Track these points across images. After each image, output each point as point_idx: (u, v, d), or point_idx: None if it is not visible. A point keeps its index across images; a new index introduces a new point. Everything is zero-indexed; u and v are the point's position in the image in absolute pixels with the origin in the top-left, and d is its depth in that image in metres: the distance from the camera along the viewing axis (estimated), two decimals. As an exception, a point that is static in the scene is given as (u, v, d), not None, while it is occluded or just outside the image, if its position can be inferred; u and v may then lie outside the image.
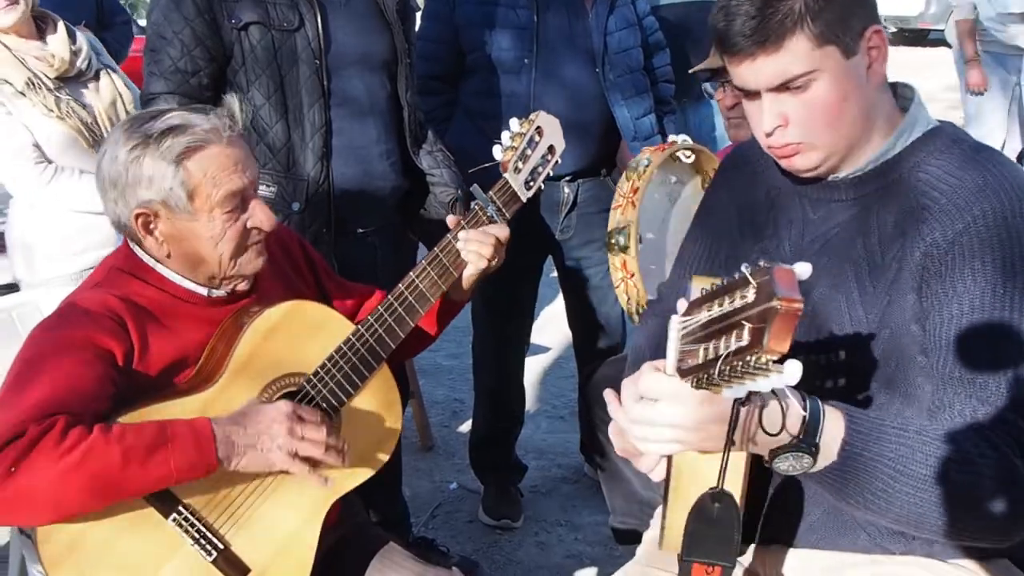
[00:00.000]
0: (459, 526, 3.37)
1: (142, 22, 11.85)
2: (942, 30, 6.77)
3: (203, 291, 1.80)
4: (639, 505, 2.45)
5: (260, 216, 1.77)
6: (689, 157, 2.61)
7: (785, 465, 1.30)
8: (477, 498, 3.45)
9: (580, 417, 3.55)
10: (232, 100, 1.78)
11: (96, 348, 1.65)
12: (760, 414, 1.28)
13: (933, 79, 7.32)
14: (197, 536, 1.67)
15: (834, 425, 1.31)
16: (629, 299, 2.50)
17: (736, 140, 2.69)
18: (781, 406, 1.27)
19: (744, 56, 1.45)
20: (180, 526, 1.66)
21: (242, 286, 1.83)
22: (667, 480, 1.44)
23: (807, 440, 1.28)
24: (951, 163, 1.48)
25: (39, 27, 2.86)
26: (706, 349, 1.12)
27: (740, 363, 1.07)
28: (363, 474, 1.87)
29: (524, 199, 2.03)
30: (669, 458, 1.42)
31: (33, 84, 2.76)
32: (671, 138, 2.68)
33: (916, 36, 15.65)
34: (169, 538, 1.66)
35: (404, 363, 2.75)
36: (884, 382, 1.48)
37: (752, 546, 1.65)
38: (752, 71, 1.46)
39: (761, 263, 1.08)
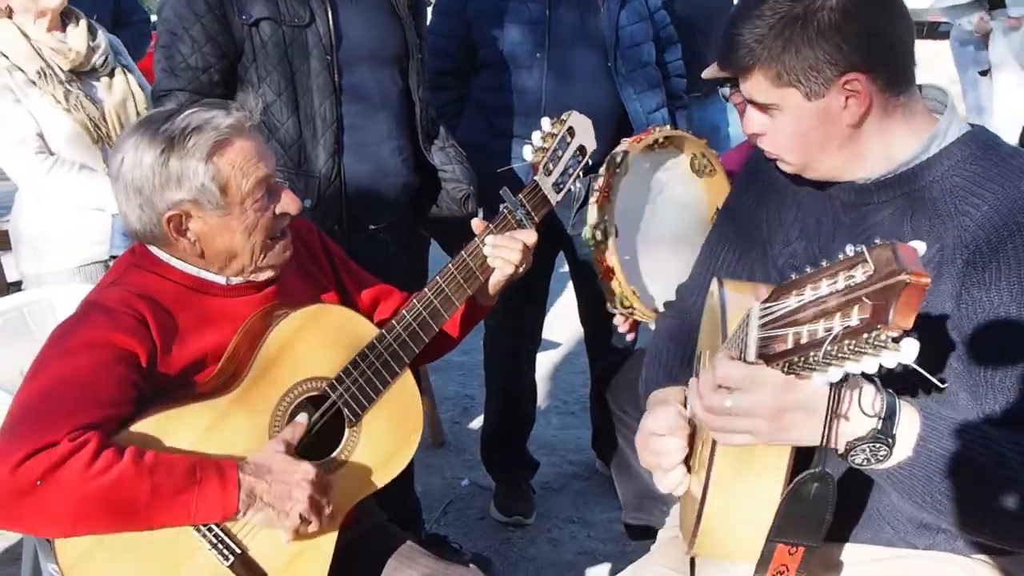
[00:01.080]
0: (471, 523, 3.37)
1: (155, 18, 11.89)
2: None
3: (221, 280, 1.80)
4: (652, 501, 2.44)
5: (287, 200, 1.80)
6: (665, 145, 2.58)
7: (861, 458, 1.30)
8: (489, 495, 3.45)
9: (591, 413, 3.54)
10: (247, 96, 1.78)
11: (119, 350, 1.65)
12: (859, 396, 1.27)
13: (944, 72, 7.26)
14: (215, 541, 1.67)
15: (910, 419, 1.31)
16: (614, 294, 2.48)
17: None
18: (876, 385, 1.27)
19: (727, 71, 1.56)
20: (198, 531, 1.66)
21: (268, 276, 1.83)
22: (704, 489, 1.42)
23: (884, 431, 1.28)
24: (989, 170, 1.47)
25: (63, 21, 2.88)
26: (797, 334, 1.11)
27: (853, 342, 1.06)
28: (383, 478, 1.87)
29: (554, 202, 2.01)
30: (709, 465, 1.41)
31: (44, 74, 2.78)
32: (655, 127, 2.66)
33: (926, 29, 15.58)
34: (186, 543, 1.65)
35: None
36: (921, 386, 1.46)
37: None
38: (741, 83, 1.56)
39: (877, 241, 1.09)
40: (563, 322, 4.67)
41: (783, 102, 1.50)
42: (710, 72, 2.47)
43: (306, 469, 1.69)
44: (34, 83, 2.77)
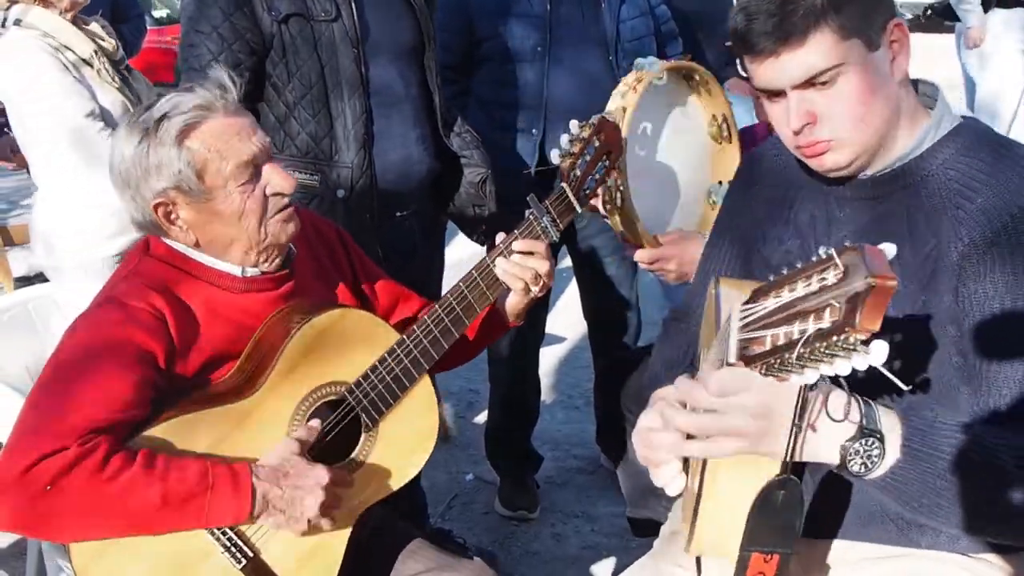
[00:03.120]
0: (475, 517, 3.38)
1: (157, 14, 11.89)
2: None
3: (237, 271, 1.77)
4: (656, 496, 2.43)
5: (276, 179, 1.73)
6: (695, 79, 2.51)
7: (858, 463, 1.27)
8: (493, 489, 3.45)
9: (596, 407, 3.54)
10: (219, 71, 1.74)
11: (138, 350, 1.62)
12: (826, 401, 1.26)
13: (952, 66, 7.24)
14: (228, 543, 1.66)
15: (890, 418, 1.29)
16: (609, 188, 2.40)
17: (765, 120, 2.63)
18: (846, 391, 1.25)
19: (767, 55, 1.44)
20: (212, 533, 1.65)
21: (277, 259, 1.79)
22: (700, 485, 1.42)
23: (871, 426, 1.26)
24: (983, 161, 1.45)
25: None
26: (775, 335, 1.11)
27: (824, 344, 1.06)
28: (396, 483, 1.87)
29: (579, 210, 1.98)
30: (703, 469, 1.40)
31: (97, 55, 2.84)
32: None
33: (934, 23, 15.53)
34: (200, 545, 1.65)
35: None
36: (920, 385, 1.45)
37: None
38: (776, 69, 1.45)
39: (847, 243, 1.07)
40: (567, 317, 4.67)
41: (848, 57, 1.41)
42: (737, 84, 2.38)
43: (320, 474, 1.66)
44: (87, 63, 2.82)
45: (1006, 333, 1.37)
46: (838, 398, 1.26)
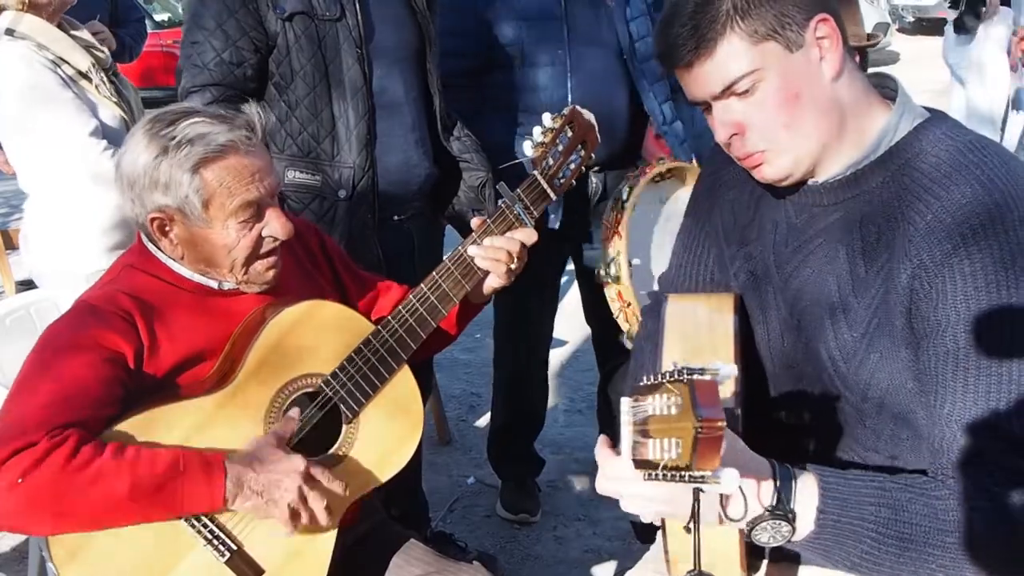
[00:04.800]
0: (477, 521, 3.37)
1: (158, 17, 11.91)
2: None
3: (214, 284, 1.80)
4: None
5: (275, 225, 1.77)
6: (669, 176, 2.63)
7: (765, 536, 1.28)
8: (495, 493, 3.45)
9: (599, 411, 3.53)
10: (251, 109, 1.77)
11: (106, 350, 1.65)
12: (723, 498, 1.26)
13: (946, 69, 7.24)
14: (210, 536, 1.67)
15: (808, 492, 1.28)
16: (630, 326, 2.49)
17: None
18: (743, 494, 1.25)
19: (683, 67, 1.42)
20: (193, 526, 1.65)
21: (256, 289, 1.82)
22: (663, 520, 1.41)
23: (781, 508, 1.26)
24: (939, 169, 1.36)
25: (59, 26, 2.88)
26: (653, 446, 1.10)
27: (677, 473, 1.06)
28: (382, 475, 1.85)
29: (553, 197, 2.00)
30: None
31: (95, 67, 2.81)
32: (656, 160, 2.70)
33: (934, 25, 15.53)
34: (182, 538, 1.65)
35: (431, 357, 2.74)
36: (875, 403, 1.41)
37: (764, 562, 1.60)
38: (693, 81, 1.42)
39: (684, 368, 1.07)
40: (570, 320, 4.65)
41: (764, 62, 1.36)
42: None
43: (296, 462, 1.67)
44: (84, 75, 2.78)
45: (959, 366, 1.29)
46: (737, 499, 1.26)
